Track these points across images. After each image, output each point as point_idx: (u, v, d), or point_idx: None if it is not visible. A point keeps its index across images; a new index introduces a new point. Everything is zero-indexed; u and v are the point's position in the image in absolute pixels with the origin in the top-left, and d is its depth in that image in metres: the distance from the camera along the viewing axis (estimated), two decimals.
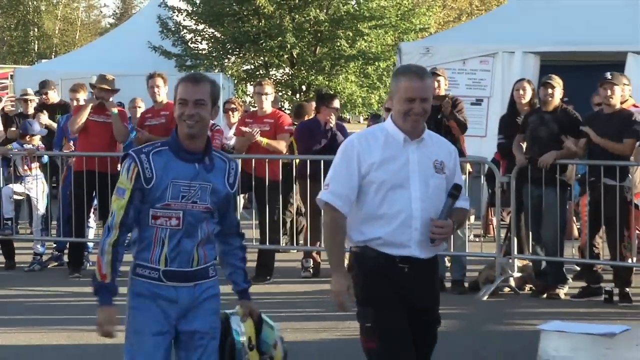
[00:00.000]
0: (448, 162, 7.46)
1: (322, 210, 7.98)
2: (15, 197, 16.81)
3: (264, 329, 5.93)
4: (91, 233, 17.12)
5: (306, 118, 19.23)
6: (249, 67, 37.13)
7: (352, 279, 6.62)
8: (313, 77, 34.79)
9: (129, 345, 5.72)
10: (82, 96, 17.28)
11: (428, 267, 6.88)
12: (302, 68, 35.29)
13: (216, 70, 33.63)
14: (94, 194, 16.33)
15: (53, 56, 53.58)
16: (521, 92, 15.20)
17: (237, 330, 5.85)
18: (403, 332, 6.49)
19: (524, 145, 14.89)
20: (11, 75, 37.27)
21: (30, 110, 18.79)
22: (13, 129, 17.33)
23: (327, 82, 34.20)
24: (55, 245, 17.03)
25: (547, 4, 23.92)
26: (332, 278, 6.73)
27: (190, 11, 36.94)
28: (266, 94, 17.18)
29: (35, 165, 16.78)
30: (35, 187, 17.03)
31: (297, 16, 34.89)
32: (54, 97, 18.79)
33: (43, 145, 17.05)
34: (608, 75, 14.81)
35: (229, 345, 5.95)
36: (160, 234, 5.62)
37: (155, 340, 5.64)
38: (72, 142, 16.88)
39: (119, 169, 15.37)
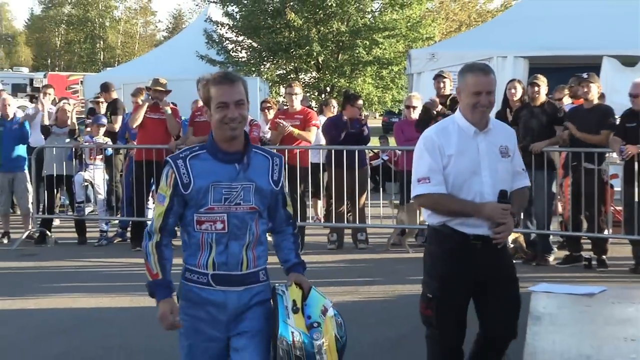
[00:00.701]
0: (510, 145, 7.36)
1: (427, 201, 7.41)
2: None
3: (312, 294, 4.95)
4: (150, 213, 15.97)
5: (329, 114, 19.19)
6: (281, 71, 36.81)
7: (429, 251, 6.73)
8: (336, 80, 34.75)
9: (181, 347, 5.14)
10: (141, 98, 16.94)
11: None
12: (326, 72, 35.18)
13: (254, 75, 33.50)
14: (152, 180, 16.20)
15: (116, 64, 53.58)
16: (513, 90, 15.25)
17: (281, 294, 4.88)
18: (458, 310, 6.47)
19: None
20: (81, 82, 38.07)
21: (103, 110, 18.55)
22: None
23: (347, 84, 34.00)
24: (119, 223, 17.02)
25: (534, 14, 23.35)
26: (485, 209, 6.38)
27: (231, 25, 36.75)
28: (296, 94, 17.23)
29: (100, 156, 16.73)
30: (97, 175, 16.92)
31: (322, 28, 34.86)
32: (109, 97, 18.64)
33: (109, 139, 16.90)
34: (585, 75, 14.94)
35: (274, 296, 4.97)
36: (206, 239, 4.84)
37: (204, 347, 5.03)
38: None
39: None
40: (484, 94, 6.87)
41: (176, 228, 5.05)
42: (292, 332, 4.56)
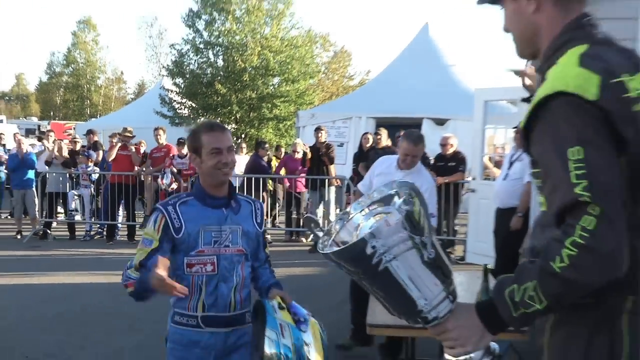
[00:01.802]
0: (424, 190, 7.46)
1: None
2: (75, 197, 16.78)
3: (294, 305, 3.94)
4: (120, 218, 17.05)
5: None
6: None
7: None
8: (248, 130, 34.71)
9: None
10: (114, 140, 16.76)
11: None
12: (242, 125, 34.96)
13: (192, 125, 32.19)
14: (122, 196, 16.33)
15: (98, 116, 53.05)
16: (365, 140, 15.35)
17: (266, 300, 3.92)
18: None
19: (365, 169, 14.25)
20: (74, 128, 36.01)
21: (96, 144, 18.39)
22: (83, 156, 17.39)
23: (257, 133, 34.05)
24: (98, 225, 17.03)
25: (379, 89, 23.38)
26: None
27: (177, 91, 35.99)
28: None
29: (87, 178, 16.95)
30: (85, 192, 17.05)
31: (239, 95, 34.24)
32: (92, 139, 18.96)
33: (97, 168, 17.14)
34: (404, 132, 14.47)
35: (258, 306, 3.93)
36: (197, 281, 3.91)
37: None
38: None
39: (136, 180, 17.06)
40: (410, 157, 7.19)
41: None
42: (280, 324, 3.71)
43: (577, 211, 2.11)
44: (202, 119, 34.77)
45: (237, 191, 4.05)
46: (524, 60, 2.77)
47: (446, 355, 2.44)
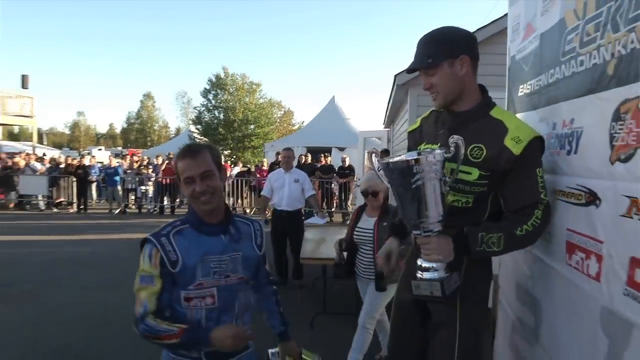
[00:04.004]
0: (302, 179, 6.68)
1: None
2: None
3: (303, 354, 2.44)
4: (165, 202, 15.80)
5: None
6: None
7: None
8: (238, 153, 32.75)
9: None
10: (162, 159, 16.52)
11: None
12: (234, 150, 33.03)
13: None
14: (166, 190, 15.76)
15: (154, 147, 51.13)
16: (301, 158, 14.09)
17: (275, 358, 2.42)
18: None
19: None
20: (140, 153, 33.13)
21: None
22: None
23: (242, 155, 32.59)
24: (154, 205, 16.45)
25: (307, 132, 22.31)
26: None
27: (197, 133, 33.97)
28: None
29: (149, 180, 16.89)
30: (148, 187, 16.36)
31: (232, 134, 33.08)
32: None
33: (153, 174, 17.24)
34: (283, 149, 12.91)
35: None
36: (195, 316, 2.06)
37: None
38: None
39: (174, 181, 14.54)
40: (286, 159, 6.61)
41: None
42: None
43: (536, 206, 1.96)
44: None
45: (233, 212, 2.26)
46: (440, 108, 2.17)
47: (418, 273, 2.04)
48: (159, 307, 1.99)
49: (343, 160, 14.61)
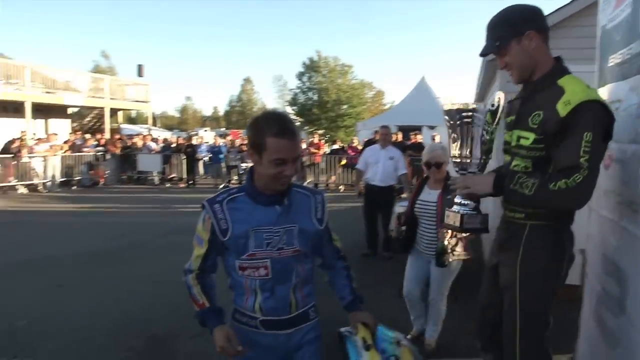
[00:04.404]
0: (398, 157, 6.66)
1: None
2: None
3: (380, 329, 2.02)
4: None
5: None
6: (312, 130, 33.90)
7: None
8: (331, 133, 33.44)
9: None
10: None
11: None
12: (327, 130, 33.84)
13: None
14: None
15: None
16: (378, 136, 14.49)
17: (348, 335, 2.00)
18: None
19: None
20: (242, 133, 34.37)
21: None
22: None
23: (334, 134, 33.15)
24: None
25: (399, 111, 21.92)
26: None
27: (293, 114, 34.79)
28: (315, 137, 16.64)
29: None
30: (250, 164, 17.96)
31: (325, 114, 33.97)
32: None
33: None
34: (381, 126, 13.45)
35: (340, 340, 2.03)
36: (250, 285, 1.95)
37: None
38: None
39: None
40: (383, 136, 6.65)
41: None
42: None
43: (576, 170, 1.88)
44: (306, 128, 33.95)
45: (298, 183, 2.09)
46: (518, 84, 2.23)
47: (445, 219, 2.24)
48: (204, 269, 1.96)
49: (433, 138, 14.35)
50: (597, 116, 1.91)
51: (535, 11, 2.10)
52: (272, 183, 1.86)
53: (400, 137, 15.34)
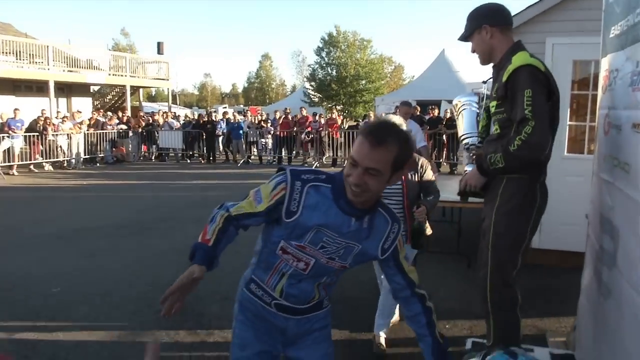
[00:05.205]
0: (415, 131, 6.85)
1: None
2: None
3: None
4: (283, 153, 16.75)
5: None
6: (331, 105, 32.48)
7: None
8: (350, 108, 33.27)
9: (234, 359, 1.88)
10: (279, 114, 17.22)
11: None
12: (346, 105, 33.61)
13: (322, 106, 32.08)
14: (284, 142, 16.71)
15: (272, 103, 51.77)
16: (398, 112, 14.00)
17: None
18: None
19: None
20: (260, 109, 32.16)
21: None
22: None
23: (354, 109, 33.08)
24: (272, 156, 17.15)
25: (417, 85, 21.85)
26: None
27: (311, 89, 35.10)
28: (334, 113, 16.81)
29: (268, 133, 17.70)
30: (268, 140, 17.77)
31: (344, 90, 33.54)
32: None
33: (272, 127, 17.55)
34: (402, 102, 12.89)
35: None
36: (282, 267, 1.75)
37: (259, 359, 1.85)
38: None
39: (290, 134, 15.58)
40: (405, 116, 6.63)
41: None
42: None
43: (524, 122, 2.32)
44: (325, 103, 33.79)
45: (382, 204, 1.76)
46: (484, 65, 2.72)
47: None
48: (238, 220, 1.69)
49: (452, 112, 14.40)
50: (532, 75, 2.35)
51: (493, 9, 2.60)
52: (346, 184, 1.62)
53: (417, 111, 15.38)
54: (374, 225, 1.72)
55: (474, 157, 2.74)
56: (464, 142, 2.83)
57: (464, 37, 2.69)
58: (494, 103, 2.57)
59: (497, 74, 2.61)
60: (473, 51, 2.65)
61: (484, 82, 2.92)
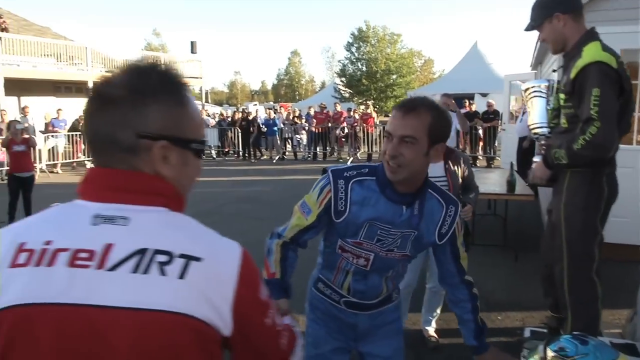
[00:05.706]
0: None
1: None
2: None
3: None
4: (318, 149, 16.42)
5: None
6: (362, 100, 32.50)
7: None
8: (381, 103, 33.00)
9: (307, 357, 1.87)
10: (313, 110, 17.33)
11: None
12: (377, 100, 33.06)
13: (353, 101, 31.89)
14: (319, 138, 16.80)
15: (302, 100, 51.75)
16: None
17: None
18: None
19: None
20: (290, 106, 33.11)
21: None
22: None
23: (384, 105, 32.80)
24: (308, 152, 16.69)
25: (450, 79, 21.44)
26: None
27: (342, 84, 34.84)
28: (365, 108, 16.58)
29: (303, 129, 17.81)
30: (303, 136, 18.16)
31: (374, 85, 33.41)
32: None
33: (307, 124, 17.51)
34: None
35: None
36: (344, 266, 1.76)
37: (333, 357, 1.88)
38: None
39: (325, 130, 15.72)
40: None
41: None
42: None
43: (589, 122, 2.29)
44: (356, 98, 33.68)
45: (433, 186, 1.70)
46: (556, 55, 2.75)
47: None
48: (295, 240, 1.71)
49: (489, 105, 14.22)
50: (602, 73, 2.28)
51: None
52: (384, 165, 1.59)
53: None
54: (427, 210, 1.67)
55: (544, 147, 2.73)
56: (534, 132, 2.83)
57: (533, 27, 2.60)
58: (562, 96, 2.54)
59: (567, 63, 2.55)
60: (543, 40, 2.59)
61: (554, 71, 2.93)
